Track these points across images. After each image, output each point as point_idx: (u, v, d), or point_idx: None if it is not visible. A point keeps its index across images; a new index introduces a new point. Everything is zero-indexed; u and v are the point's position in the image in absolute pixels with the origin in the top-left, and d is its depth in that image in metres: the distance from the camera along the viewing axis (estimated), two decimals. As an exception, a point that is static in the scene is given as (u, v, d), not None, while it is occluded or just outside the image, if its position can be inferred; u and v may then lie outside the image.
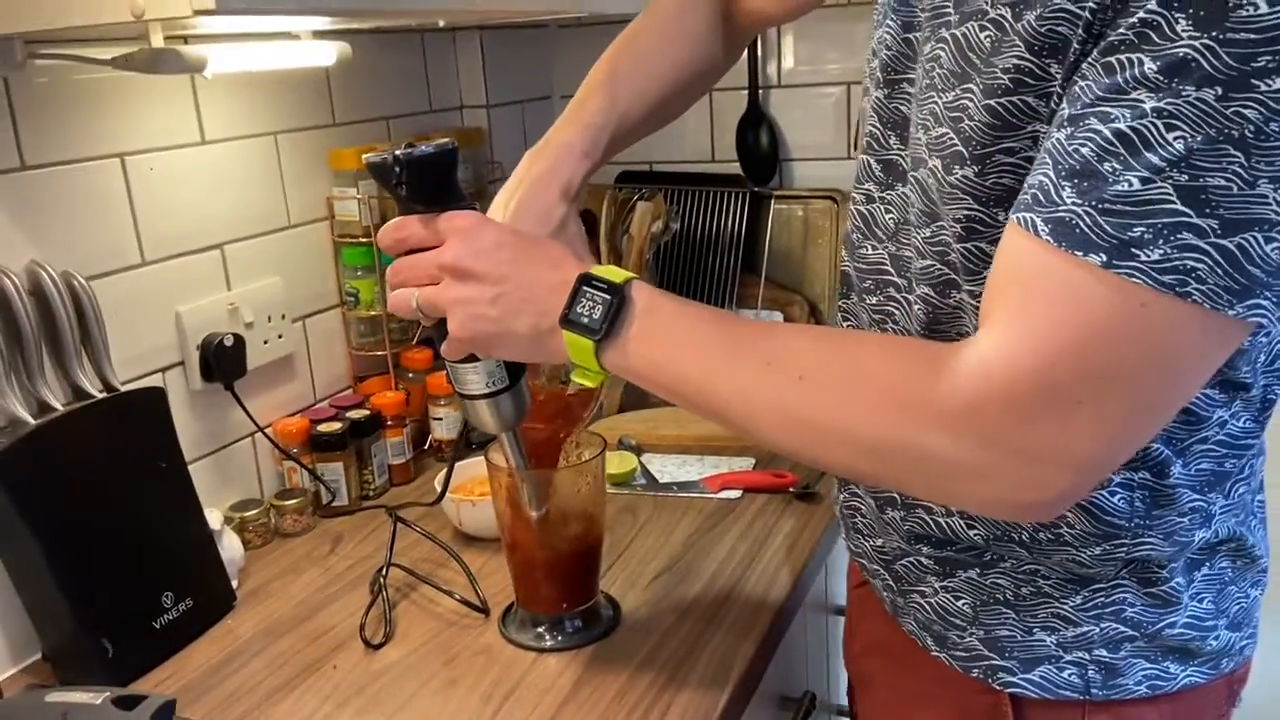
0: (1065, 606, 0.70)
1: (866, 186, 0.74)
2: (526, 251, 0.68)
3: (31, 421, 0.91)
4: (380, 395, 1.32)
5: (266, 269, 1.24)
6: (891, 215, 0.72)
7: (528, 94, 1.70)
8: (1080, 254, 0.52)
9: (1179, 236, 0.50)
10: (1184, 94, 0.49)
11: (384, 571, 1.06)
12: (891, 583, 0.79)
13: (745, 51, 1.59)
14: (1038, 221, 0.53)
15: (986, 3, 0.58)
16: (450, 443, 1.37)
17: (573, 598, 0.96)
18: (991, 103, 0.58)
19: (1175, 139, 0.49)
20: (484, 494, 1.15)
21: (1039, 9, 0.55)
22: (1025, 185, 0.55)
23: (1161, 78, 0.49)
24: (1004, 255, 0.57)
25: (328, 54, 1.13)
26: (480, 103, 1.60)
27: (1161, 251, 0.50)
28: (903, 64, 0.70)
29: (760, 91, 1.64)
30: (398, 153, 0.69)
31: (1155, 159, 0.50)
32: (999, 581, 0.72)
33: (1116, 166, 0.51)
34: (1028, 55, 0.56)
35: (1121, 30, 0.51)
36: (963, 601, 0.74)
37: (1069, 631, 0.70)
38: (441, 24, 1.44)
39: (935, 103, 0.63)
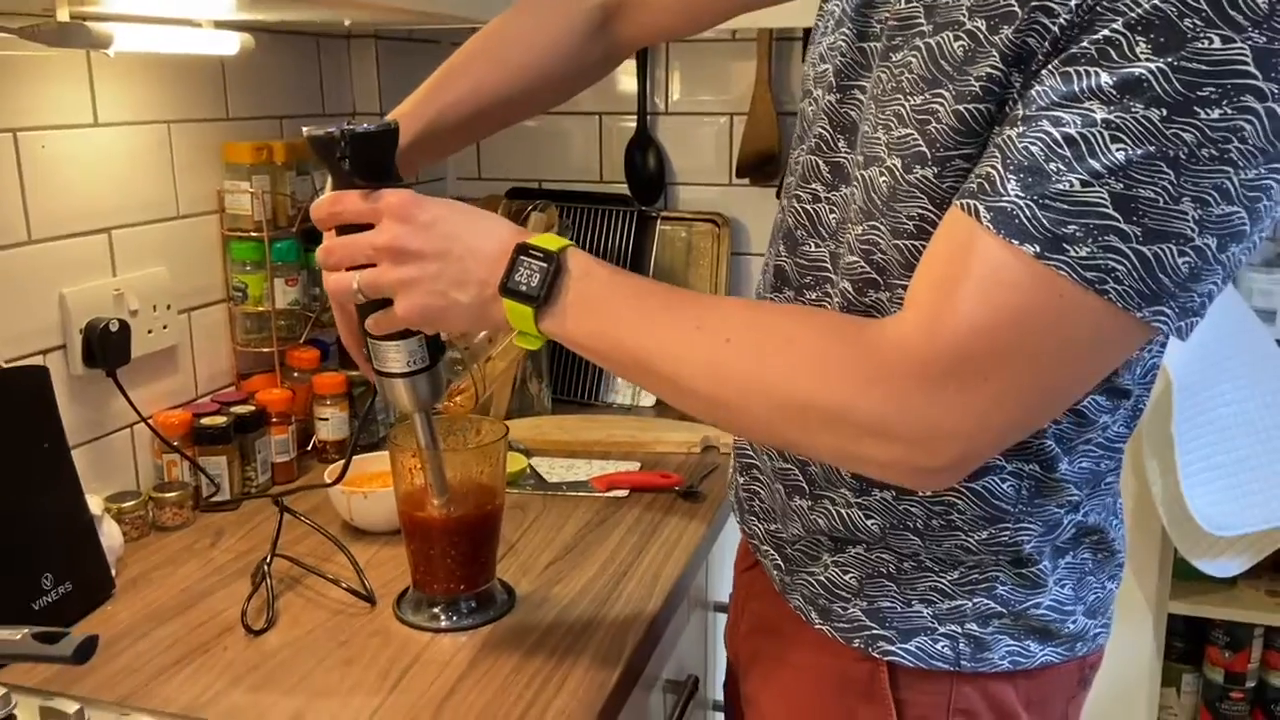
0: (943, 580, 0.75)
1: (813, 186, 0.77)
2: (463, 225, 0.71)
3: (-93, 391, 0.87)
4: (266, 392, 1.31)
5: (154, 257, 1.22)
6: (835, 215, 0.75)
7: (420, 106, 1.72)
8: (1016, 242, 0.56)
9: (1106, 238, 0.55)
10: (1133, 110, 0.53)
11: (268, 559, 1.05)
12: (782, 563, 0.83)
13: (636, 80, 1.68)
14: (980, 208, 0.58)
15: (963, 15, 0.62)
16: (335, 443, 1.36)
17: (469, 580, 0.98)
18: (961, 108, 0.61)
19: (1117, 150, 0.54)
20: (376, 487, 1.16)
21: (1015, 23, 0.58)
22: (972, 175, 0.60)
23: (1115, 92, 0.54)
24: (941, 237, 0.61)
25: (230, 43, 1.13)
26: (374, 110, 1.62)
27: (1089, 250, 0.55)
28: (856, 71, 0.73)
29: (649, 117, 1.72)
30: (344, 127, 0.71)
31: (1097, 165, 0.54)
32: (883, 556, 0.76)
33: (1061, 167, 0.55)
34: (1000, 65, 0.59)
35: (1084, 44, 0.55)
36: (849, 575, 0.78)
37: (944, 605, 0.75)
38: (348, 23, 1.46)
39: (902, 105, 0.66)
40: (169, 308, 1.23)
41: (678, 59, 1.71)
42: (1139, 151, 0.54)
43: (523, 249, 0.69)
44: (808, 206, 0.78)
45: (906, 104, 0.65)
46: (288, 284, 1.35)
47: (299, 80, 1.48)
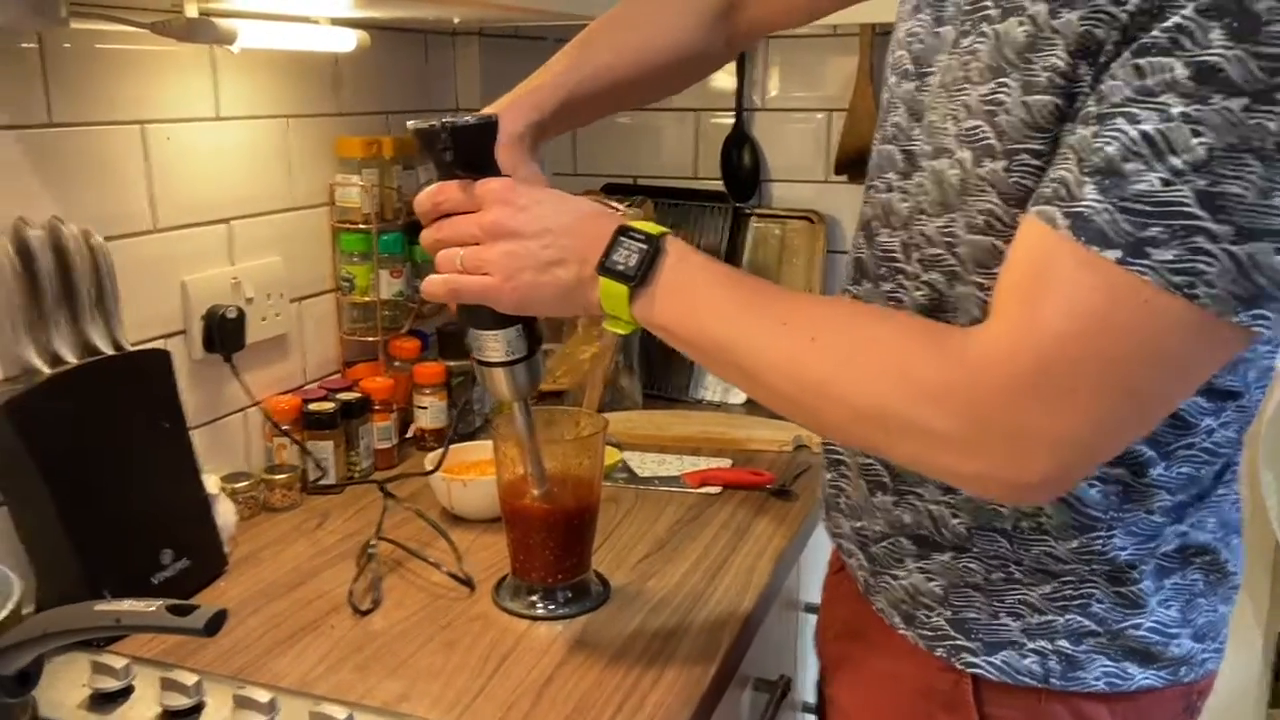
0: (1033, 594, 0.73)
1: (888, 175, 0.76)
2: (563, 207, 0.72)
3: (46, 371, 0.92)
4: (370, 380, 1.34)
5: (269, 248, 1.26)
6: (906, 204, 0.74)
7: (520, 102, 1.74)
8: (1097, 248, 0.54)
9: (1192, 240, 0.52)
10: (1211, 101, 0.51)
11: (373, 542, 1.08)
12: (866, 563, 0.82)
13: (734, 76, 1.68)
14: (1057, 215, 0.56)
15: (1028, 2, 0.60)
16: (433, 431, 1.39)
17: (566, 570, 0.99)
18: (1028, 100, 0.60)
19: (1199, 144, 0.51)
20: (474, 476, 1.18)
21: (1080, 9, 0.56)
22: (1045, 179, 0.58)
23: (1191, 83, 0.51)
24: (1020, 247, 0.59)
25: (347, 40, 1.16)
26: (475, 106, 1.64)
27: (1175, 252, 0.52)
28: (930, 57, 0.71)
29: (746, 114, 1.71)
30: (446, 120, 0.73)
31: (1178, 162, 0.52)
32: (971, 566, 0.74)
33: (1140, 167, 0.53)
34: (1064, 56, 0.57)
35: (1155, 34, 0.53)
36: (934, 583, 0.76)
37: (1034, 619, 0.73)
38: (456, 20, 1.48)
39: (969, 95, 0.64)
40: (282, 296, 1.27)
41: (776, 54, 1.70)
42: (1222, 145, 0.51)
43: (623, 230, 0.69)
44: (883, 196, 0.77)
45: (974, 94, 0.64)
46: (392, 275, 1.39)
47: (406, 77, 1.51)
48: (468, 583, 1.03)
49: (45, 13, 0.89)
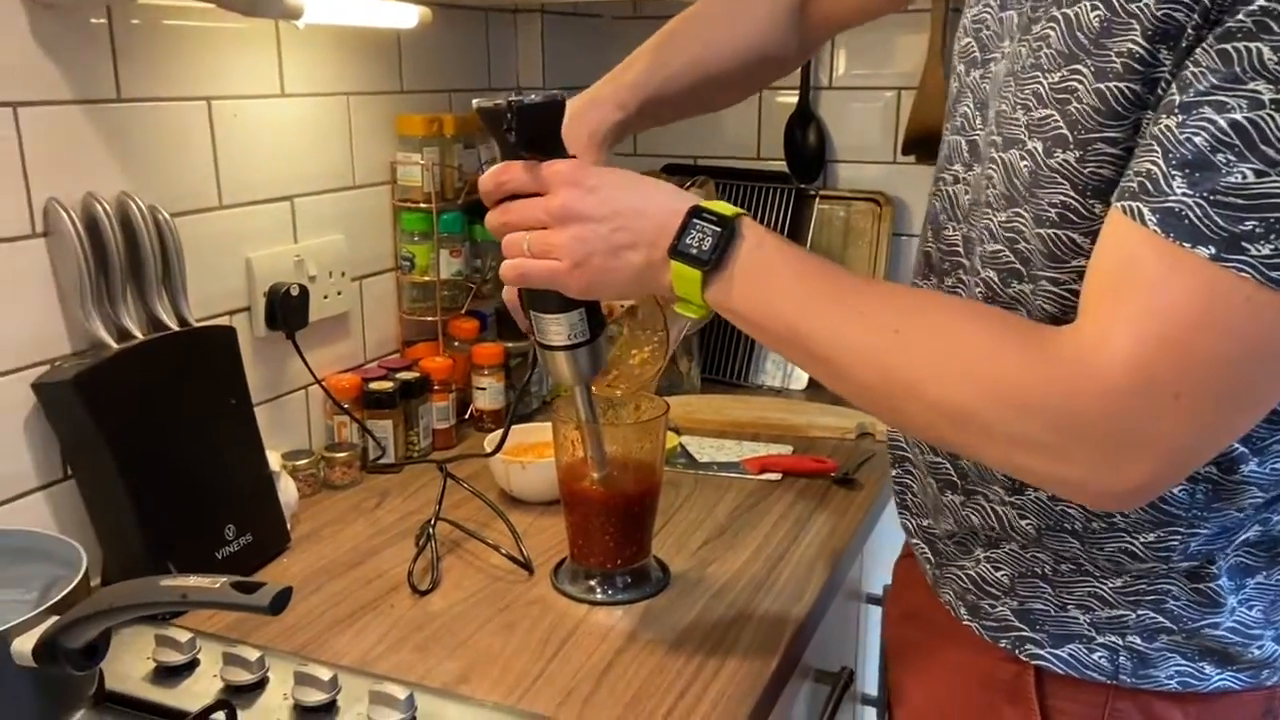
0: (1104, 587, 0.70)
1: (955, 167, 0.74)
2: (633, 189, 0.70)
3: (114, 345, 0.93)
4: (429, 359, 1.34)
5: (331, 226, 1.26)
6: (968, 195, 0.72)
7: (581, 80, 1.72)
8: (1189, 245, 0.52)
9: None
10: None
11: (433, 522, 1.08)
12: (932, 557, 0.81)
13: (799, 52, 1.64)
14: (1144, 211, 0.53)
15: None
16: (491, 412, 1.39)
17: (626, 554, 0.98)
18: (1102, 87, 0.58)
19: None
20: (533, 458, 1.17)
21: None
22: (1130, 172, 0.55)
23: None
24: (1107, 244, 0.57)
25: (410, 16, 1.15)
26: (536, 85, 1.63)
27: (1272, 246, 0.50)
28: (995, 44, 0.70)
29: (811, 92, 1.67)
30: (511, 99, 0.71)
31: (1272, 152, 0.50)
32: (1039, 556, 0.72)
33: (1230, 158, 0.51)
34: (1141, 40, 0.55)
35: (1240, 17, 0.51)
36: (1001, 572, 0.74)
37: (1104, 612, 0.70)
38: (519, -2, 1.47)
39: (1040, 83, 0.62)
40: (343, 275, 1.27)
41: (844, 32, 1.65)
42: None
43: (696, 212, 0.67)
44: (950, 189, 0.75)
45: (1045, 81, 0.61)
46: (452, 255, 1.38)
47: (467, 54, 1.50)
48: (527, 565, 1.03)
49: (114, -12, 0.89)
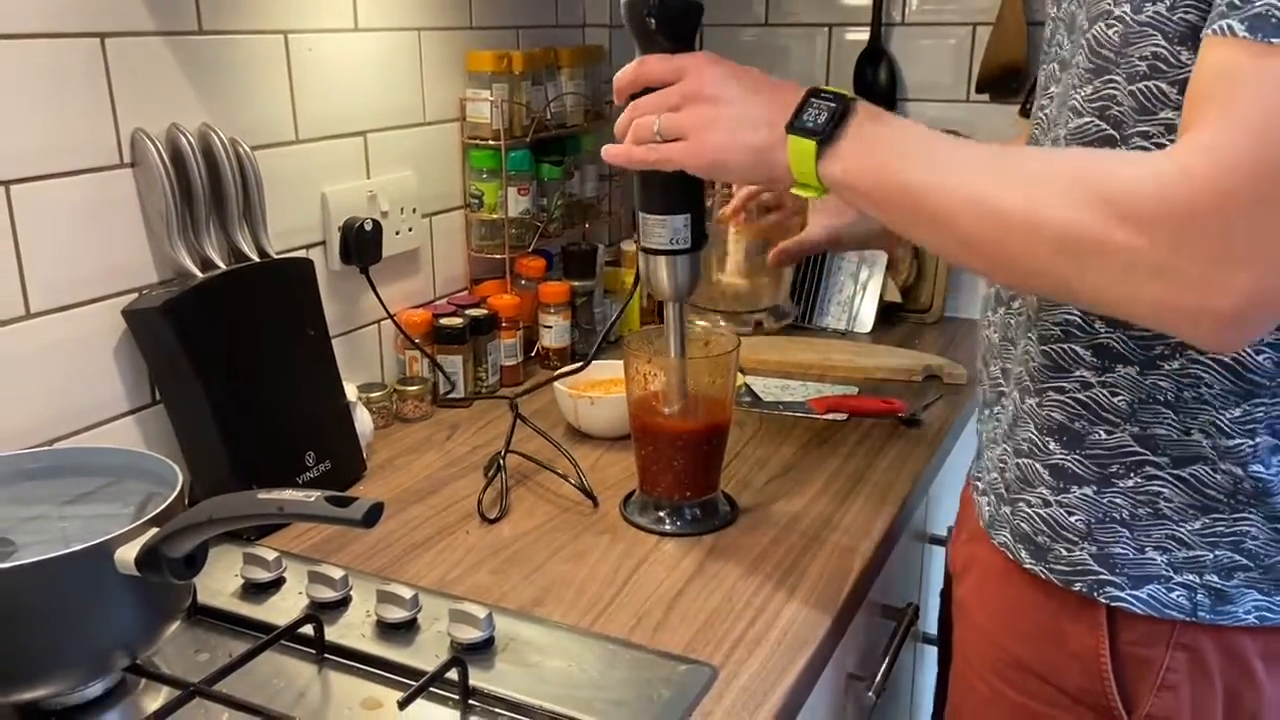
0: (1183, 530, 0.70)
1: (1050, 90, 0.75)
2: (758, 76, 0.75)
3: (199, 274, 0.95)
4: (497, 297, 1.35)
5: (402, 162, 1.27)
6: (1048, 110, 0.74)
7: (647, 18, 1.71)
8: (1278, 40, 0.53)
9: None
10: None
11: (503, 454, 1.10)
12: (1004, 490, 0.80)
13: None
14: (1233, 24, 0.56)
15: None
16: (557, 350, 1.40)
17: (695, 486, 0.99)
18: None
19: None
20: (600, 393, 1.18)
21: None
22: (1215, 2, 0.57)
23: None
24: (1201, 66, 0.58)
25: (482, -51, 1.15)
26: (604, 22, 1.62)
27: None
28: None
29: (883, 29, 1.64)
30: None
31: None
32: (1116, 500, 0.72)
33: None
34: None
35: None
36: (1076, 518, 0.74)
37: (1181, 553, 0.71)
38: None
39: None
40: (414, 211, 1.28)
41: (918, -33, 1.61)
42: None
43: (814, 92, 0.71)
44: (1041, 113, 0.77)
45: None
46: (520, 193, 1.39)
47: (535, -9, 1.49)
48: (593, 496, 1.04)
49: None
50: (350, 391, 1.11)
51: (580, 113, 1.51)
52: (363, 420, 1.12)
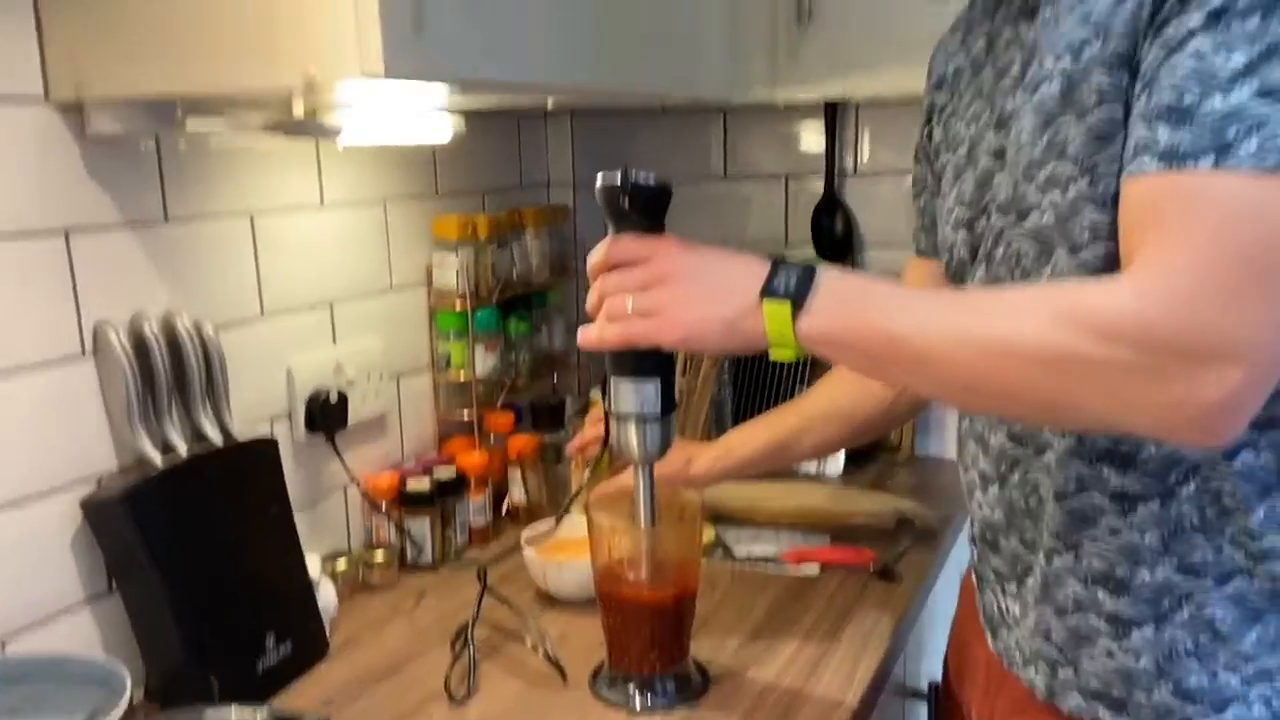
0: (1245, 645, 0.73)
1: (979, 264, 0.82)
2: (724, 254, 0.79)
3: (159, 462, 0.95)
4: (465, 455, 1.35)
5: (369, 329, 1.29)
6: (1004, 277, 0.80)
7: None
8: (1191, 164, 0.61)
9: (1268, 127, 0.59)
10: (1232, 28, 0.61)
11: (470, 628, 1.08)
12: (1058, 654, 0.80)
13: (824, 140, 1.66)
14: (1146, 161, 0.63)
15: (1049, 67, 0.72)
16: (527, 507, 1.39)
17: (665, 656, 0.97)
18: (1088, 122, 0.69)
19: (1236, 57, 0.61)
20: (569, 555, 1.17)
21: (1099, 41, 0.68)
22: (1126, 151, 0.66)
23: (1209, 21, 0.62)
24: (1125, 203, 0.66)
25: (445, 130, 1.19)
26: (567, 180, 1.67)
27: (1258, 142, 0.59)
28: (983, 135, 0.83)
29: (837, 179, 1.69)
30: (628, 173, 0.81)
31: (1224, 76, 0.61)
32: (1176, 635, 0.74)
33: (1196, 94, 0.62)
34: (1105, 74, 0.68)
35: (1166, 9, 0.64)
36: (1144, 662, 0.76)
37: (1249, 668, 0.73)
38: (550, 105, 1.51)
39: (1034, 150, 0.74)
40: (381, 377, 1.29)
41: (868, 119, 1.68)
42: (1255, 50, 0.60)
43: (779, 261, 0.75)
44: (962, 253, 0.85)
45: (1038, 148, 0.73)
46: (487, 350, 1.40)
47: (500, 155, 1.55)
48: (561, 670, 1.02)
49: (163, 118, 0.94)
50: (314, 564, 1.09)
51: (546, 269, 1.55)
52: (326, 595, 1.10)
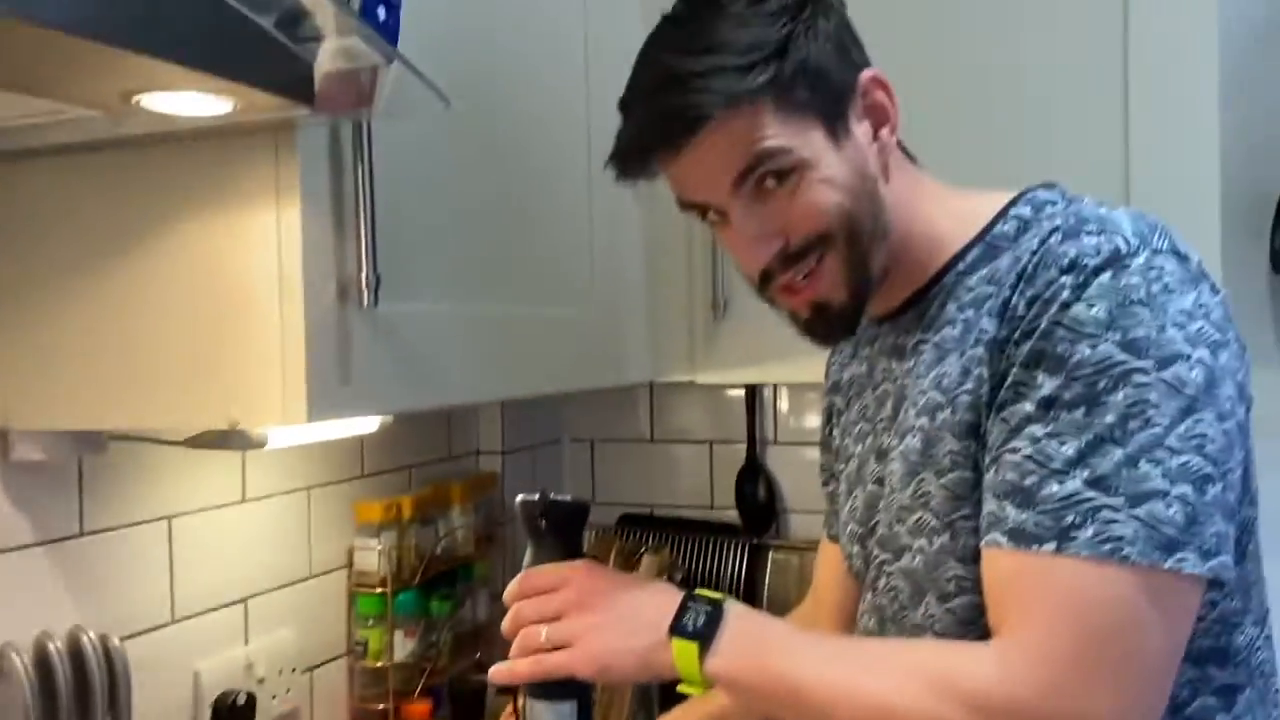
0: None
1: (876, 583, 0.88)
2: (636, 585, 0.83)
3: (48, 795, 0.90)
4: (380, 750, 1.31)
5: (283, 621, 1.27)
6: (891, 605, 0.85)
7: (539, 439, 1.81)
8: (1035, 548, 0.68)
9: (1100, 514, 0.66)
10: (1061, 417, 0.68)
11: None
12: None
13: (745, 409, 1.73)
14: (998, 537, 0.70)
15: (913, 421, 0.79)
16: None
17: None
18: (944, 481, 0.76)
19: (1066, 447, 0.68)
20: None
21: (949, 409, 0.75)
22: (981, 518, 0.73)
23: (1040, 411, 0.69)
24: (986, 575, 0.73)
25: (372, 422, 1.22)
26: (496, 449, 1.70)
27: (1093, 529, 0.66)
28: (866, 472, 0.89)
29: (757, 446, 1.75)
30: (546, 494, 0.85)
31: (1058, 464, 0.68)
32: None
33: (1035, 479, 0.69)
34: (955, 441, 0.75)
35: (1005, 393, 0.72)
36: None
37: None
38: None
39: (903, 496, 0.80)
40: (294, 671, 1.26)
41: (787, 392, 1.76)
42: (1084, 441, 0.67)
43: (690, 597, 0.78)
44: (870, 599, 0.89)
45: (905, 496, 0.80)
46: (407, 635, 1.38)
47: (429, 432, 1.58)
48: None
49: (88, 444, 0.95)
50: None
51: (471, 542, 1.55)
52: None
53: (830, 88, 0.78)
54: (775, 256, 0.78)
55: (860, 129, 0.80)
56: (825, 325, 0.82)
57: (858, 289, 0.80)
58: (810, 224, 0.77)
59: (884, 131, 0.81)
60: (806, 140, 0.77)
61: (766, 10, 0.76)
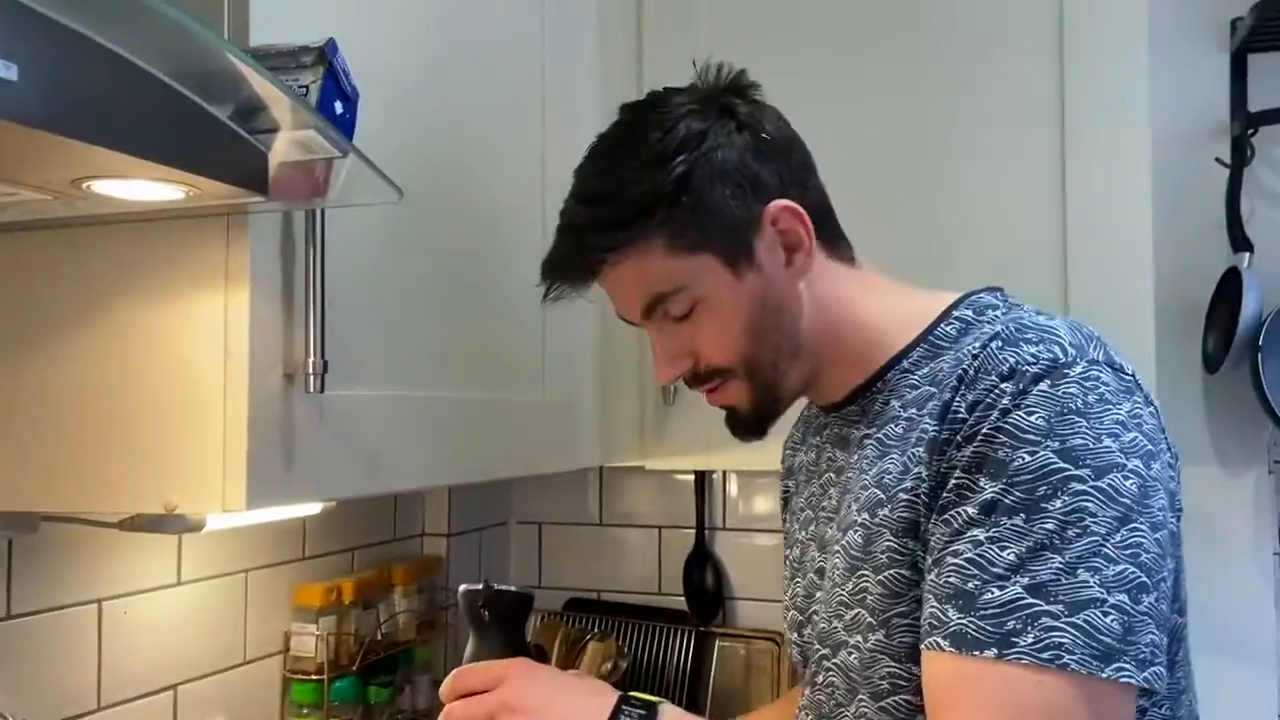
0: None
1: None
2: (571, 684, 0.84)
3: None
4: (309, 847, 1.25)
5: (214, 709, 1.22)
6: (825, 699, 0.85)
7: (487, 521, 1.79)
8: (977, 653, 0.68)
9: (1040, 621, 0.66)
10: (1001, 523, 0.69)
11: None
12: None
13: (695, 495, 1.73)
14: (940, 641, 0.70)
15: (855, 515, 0.80)
16: None
17: None
18: (882, 578, 0.77)
19: (1007, 553, 0.68)
20: None
21: (889, 506, 0.76)
22: (922, 620, 0.73)
23: (981, 515, 0.70)
24: (927, 676, 0.73)
25: (315, 505, 1.20)
26: (441, 531, 1.68)
27: (1034, 635, 0.66)
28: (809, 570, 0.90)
29: (706, 532, 1.75)
30: (489, 584, 0.86)
31: (999, 569, 0.68)
32: None
33: (977, 583, 0.69)
34: (894, 539, 0.76)
35: (946, 495, 0.72)
36: None
37: None
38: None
39: (841, 593, 0.81)
40: (222, 763, 1.22)
41: (735, 478, 1.76)
42: (1023, 547, 0.68)
43: (625, 699, 0.80)
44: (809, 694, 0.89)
45: (843, 592, 0.81)
46: (342, 724, 1.34)
47: (373, 514, 1.55)
48: None
49: (19, 525, 0.93)
50: None
51: (413, 627, 1.51)
52: None
53: (727, 224, 0.81)
54: (686, 373, 0.86)
55: (770, 258, 0.83)
56: (735, 427, 0.89)
57: (760, 405, 0.86)
58: (710, 355, 0.84)
59: (798, 257, 0.83)
60: (701, 277, 0.81)
61: (667, 149, 0.80)
